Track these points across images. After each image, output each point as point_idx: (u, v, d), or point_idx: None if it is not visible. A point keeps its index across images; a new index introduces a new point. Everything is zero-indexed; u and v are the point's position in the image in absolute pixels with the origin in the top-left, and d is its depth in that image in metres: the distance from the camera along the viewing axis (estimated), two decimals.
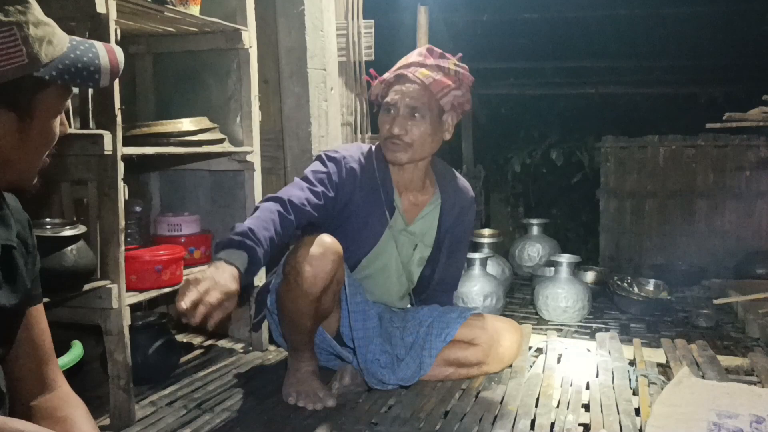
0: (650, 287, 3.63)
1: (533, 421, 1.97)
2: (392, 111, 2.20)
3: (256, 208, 2.03)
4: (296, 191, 2.09)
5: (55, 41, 0.96)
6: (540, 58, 5.65)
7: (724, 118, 3.13)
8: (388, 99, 2.21)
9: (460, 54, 2.28)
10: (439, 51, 2.25)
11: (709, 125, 3.26)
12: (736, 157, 4.61)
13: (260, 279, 2.55)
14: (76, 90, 1.98)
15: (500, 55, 5.68)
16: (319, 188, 2.13)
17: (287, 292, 2.05)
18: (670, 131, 4.89)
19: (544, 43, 5.21)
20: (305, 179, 2.15)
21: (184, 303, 1.60)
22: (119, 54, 1.04)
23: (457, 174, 2.49)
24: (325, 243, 2.03)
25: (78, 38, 1.01)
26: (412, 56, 2.25)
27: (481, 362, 2.34)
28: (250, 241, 1.83)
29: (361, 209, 2.21)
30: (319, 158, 2.24)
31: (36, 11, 0.95)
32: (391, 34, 4.05)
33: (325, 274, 2.01)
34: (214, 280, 1.66)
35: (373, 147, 2.32)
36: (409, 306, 2.48)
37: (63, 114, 1.03)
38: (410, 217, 2.32)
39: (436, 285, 2.43)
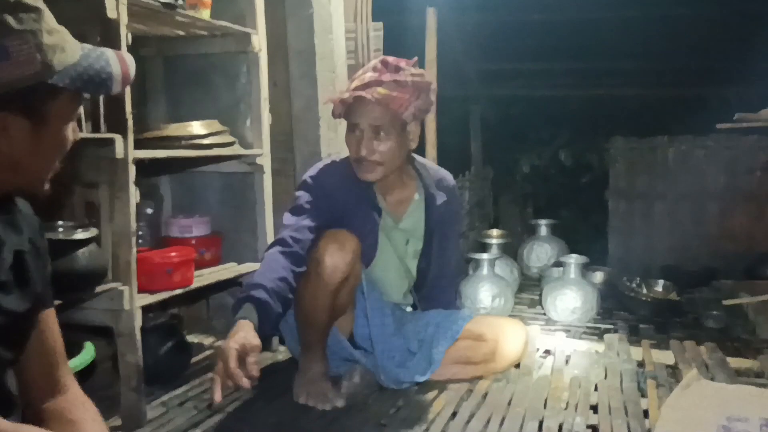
0: (659, 288, 3.61)
1: (541, 423, 1.98)
2: (357, 132, 2.20)
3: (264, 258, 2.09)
4: (291, 223, 2.14)
5: (67, 49, 0.97)
6: (549, 59, 5.63)
7: (734, 118, 3.12)
8: (351, 120, 2.21)
9: (415, 58, 2.24)
10: (394, 63, 2.19)
11: (719, 126, 3.25)
12: (747, 158, 4.58)
13: None
14: (87, 95, 2.00)
15: (509, 56, 5.66)
16: (311, 209, 2.17)
17: (306, 284, 2.10)
18: (680, 132, 4.87)
19: (554, 44, 5.18)
20: (295, 209, 2.19)
21: (217, 398, 1.61)
22: (130, 61, 1.05)
23: (434, 165, 2.54)
24: (345, 236, 2.12)
25: (89, 46, 1.02)
26: (367, 73, 2.19)
27: (488, 359, 2.37)
28: (254, 291, 1.88)
29: (354, 219, 2.24)
30: (300, 187, 2.28)
31: (49, 19, 0.96)
32: (400, 36, 4.04)
33: (344, 266, 2.09)
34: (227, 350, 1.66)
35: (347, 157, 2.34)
36: (411, 304, 2.51)
37: (74, 121, 1.05)
38: (398, 215, 2.36)
39: (434, 280, 2.45)
